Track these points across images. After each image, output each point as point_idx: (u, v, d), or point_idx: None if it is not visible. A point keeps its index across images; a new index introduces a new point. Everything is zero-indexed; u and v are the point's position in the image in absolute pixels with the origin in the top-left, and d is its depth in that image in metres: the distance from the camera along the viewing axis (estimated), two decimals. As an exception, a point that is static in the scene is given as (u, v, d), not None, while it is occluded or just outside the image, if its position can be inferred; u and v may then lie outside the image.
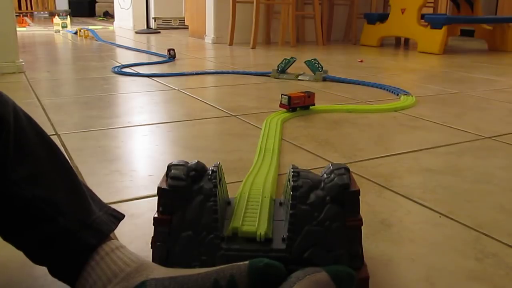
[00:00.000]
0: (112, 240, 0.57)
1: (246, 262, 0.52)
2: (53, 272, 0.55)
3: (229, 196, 0.71)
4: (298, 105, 1.54)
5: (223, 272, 0.51)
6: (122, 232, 0.76)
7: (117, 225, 0.60)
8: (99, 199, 0.61)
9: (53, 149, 0.58)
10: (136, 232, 0.76)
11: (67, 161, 0.59)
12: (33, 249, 0.54)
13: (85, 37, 4.37)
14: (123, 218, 0.61)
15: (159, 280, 0.52)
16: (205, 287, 0.50)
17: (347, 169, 0.61)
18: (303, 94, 1.55)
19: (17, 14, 8.16)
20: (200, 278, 0.51)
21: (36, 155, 0.55)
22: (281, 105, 1.55)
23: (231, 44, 3.83)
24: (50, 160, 0.57)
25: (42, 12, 9.41)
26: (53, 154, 0.58)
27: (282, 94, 1.55)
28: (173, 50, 2.85)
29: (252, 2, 3.60)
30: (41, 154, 0.56)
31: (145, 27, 5.29)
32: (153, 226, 0.60)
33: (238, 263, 0.52)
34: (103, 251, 0.55)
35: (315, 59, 2.25)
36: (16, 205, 0.52)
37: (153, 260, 0.60)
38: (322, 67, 2.24)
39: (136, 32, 5.15)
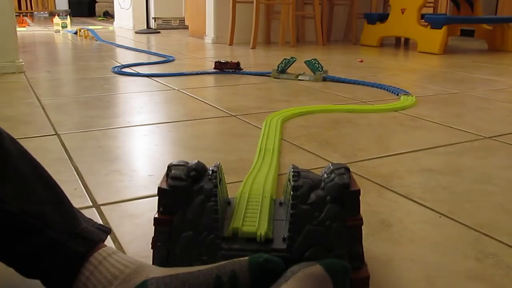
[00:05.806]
0: (105, 247, 0.57)
1: (246, 257, 0.53)
2: (47, 284, 0.56)
3: (229, 196, 0.71)
4: None
5: (224, 268, 0.52)
6: (122, 232, 0.76)
7: (106, 237, 0.60)
8: (84, 216, 0.62)
9: (37, 167, 0.59)
10: (136, 232, 0.76)
11: (52, 178, 0.59)
12: (24, 263, 0.55)
13: (85, 37, 4.37)
14: (110, 232, 0.62)
15: (160, 279, 0.52)
16: (207, 283, 0.51)
17: (347, 169, 0.61)
18: None
19: (17, 14, 8.16)
20: (202, 274, 0.52)
21: (21, 173, 0.56)
22: None
23: (231, 44, 3.83)
24: (35, 177, 0.57)
25: (42, 12, 9.41)
26: (37, 171, 0.58)
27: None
28: None
29: (252, 2, 3.60)
30: (25, 172, 0.57)
31: (145, 27, 5.29)
32: (153, 226, 0.60)
33: (239, 259, 0.53)
34: (100, 256, 0.55)
35: (315, 59, 2.25)
36: (4, 221, 0.53)
37: (153, 261, 0.60)
38: (322, 67, 2.24)
39: (136, 32, 5.14)
